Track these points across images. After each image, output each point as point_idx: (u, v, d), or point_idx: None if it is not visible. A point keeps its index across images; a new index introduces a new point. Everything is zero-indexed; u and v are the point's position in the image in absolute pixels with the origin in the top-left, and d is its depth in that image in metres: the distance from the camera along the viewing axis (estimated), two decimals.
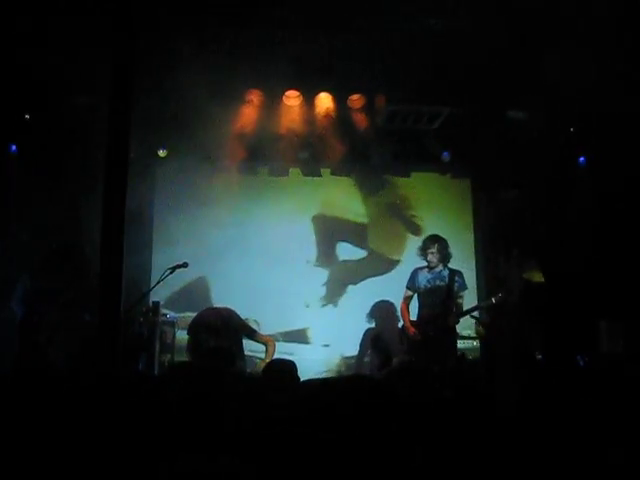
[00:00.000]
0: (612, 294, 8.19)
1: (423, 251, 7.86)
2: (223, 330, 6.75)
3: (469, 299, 8.21)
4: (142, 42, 5.52)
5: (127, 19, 5.07)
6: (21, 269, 6.97)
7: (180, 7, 6.37)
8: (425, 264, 7.88)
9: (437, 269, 7.79)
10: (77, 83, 7.48)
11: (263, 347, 7.04)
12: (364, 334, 9.05)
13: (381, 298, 9.03)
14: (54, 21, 6.46)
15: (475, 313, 7.97)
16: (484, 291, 9.38)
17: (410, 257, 9.14)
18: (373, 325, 9.12)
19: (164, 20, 6.34)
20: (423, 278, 7.84)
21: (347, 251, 9.65)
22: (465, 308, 7.80)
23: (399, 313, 8.28)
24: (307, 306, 9.28)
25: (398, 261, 9.51)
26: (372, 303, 9.18)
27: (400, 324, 8.08)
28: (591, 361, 7.05)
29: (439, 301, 7.69)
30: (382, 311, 8.89)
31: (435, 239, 7.84)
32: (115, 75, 5.26)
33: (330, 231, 9.64)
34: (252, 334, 7.03)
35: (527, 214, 9.11)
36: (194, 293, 8.01)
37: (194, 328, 6.83)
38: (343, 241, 9.64)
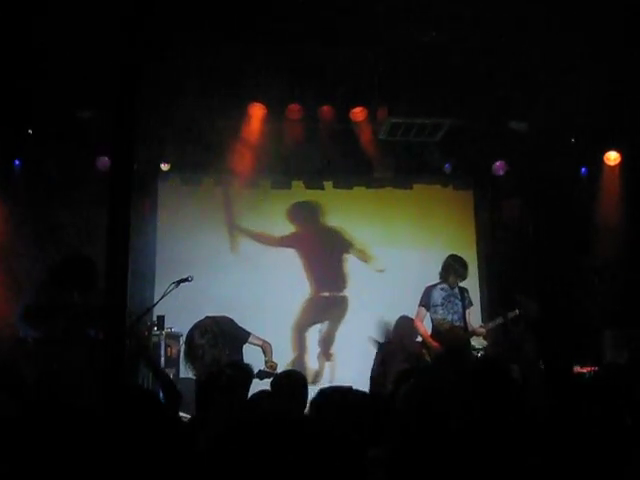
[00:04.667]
0: (617, 303, 8.21)
1: (447, 271, 8.02)
2: (220, 337, 6.79)
3: (475, 313, 8.53)
4: (146, 57, 5.55)
5: (131, 34, 5.10)
6: (25, 284, 6.96)
7: (183, 22, 6.40)
8: (437, 281, 8.09)
9: (451, 287, 8.00)
10: (80, 97, 7.51)
11: None
12: (380, 346, 8.96)
13: (401, 313, 8.94)
14: (58, 35, 6.48)
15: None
16: (488, 305, 9.40)
17: (409, 271, 9.17)
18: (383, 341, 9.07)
19: (167, 35, 6.37)
20: (438, 296, 8.01)
21: (350, 264, 9.65)
22: (471, 323, 8.06)
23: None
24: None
25: (399, 272, 9.48)
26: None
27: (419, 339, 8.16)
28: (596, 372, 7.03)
29: (457, 317, 7.93)
30: (404, 326, 8.79)
31: (461, 262, 8.03)
32: (118, 89, 5.28)
33: (333, 244, 9.66)
34: (247, 337, 7.11)
35: (530, 225, 9.12)
36: (198, 306, 7.99)
37: (190, 336, 6.87)
38: (346, 254, 9.64)
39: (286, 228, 9.59)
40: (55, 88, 7.14)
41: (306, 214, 9.63)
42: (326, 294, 9.50)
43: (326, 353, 9.31)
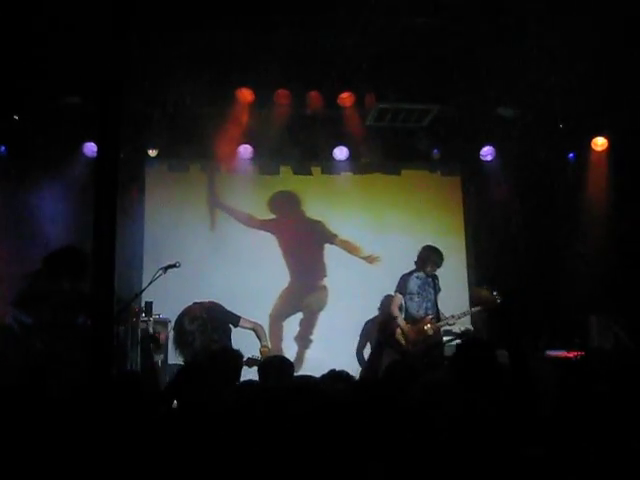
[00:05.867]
0: (604, 289, 8.26)
1: (425, 261, 8.20)
2: (209, 322, 6.80)
3: (462, 299, 8.98)
4: (133, 42, 5.51)
5: (118, 19, 5.06)
6: (14, 272, 6.94)
7: (170, 7, 6.35)
8: (411, 269, 8.29)
9: (427, 275, 8.20)
10: (66, 83, 7.46)
11: None
12: (365, 324, 9.05)
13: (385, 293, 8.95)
14: (43, 21, 6.43)
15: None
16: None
17: (396, 257, 9.20)
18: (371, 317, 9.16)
19: (155, 20, 6.32)
20: (414, 284, 8.23)
21: (336, 251, 9.66)
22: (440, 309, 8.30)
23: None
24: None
25: (388, 258, 9.50)
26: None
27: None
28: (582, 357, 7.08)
29: (430, 305, 8.18)
30: (387, 304, 8.80)
31: (440, 254, 8.22)
32: (105, 75, 5.25)
33: (317, 232, 9.65)
34: (237, 321, 7.12)
35: (517, 211, 9.15)
36: (186, 293, 7.98)
37: (180, 322, 6.87)
38: (331, 242, 9.64)
39: (269, 214, 9.59)
40: (41, 74, 7.09)
41: (287, 204, 9.62)
42: (308, 282, 9.51)
43: (305, 341, 9.32)
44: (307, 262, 9.55)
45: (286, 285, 9.43)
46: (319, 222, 9.64)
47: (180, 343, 6.75)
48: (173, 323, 7.14)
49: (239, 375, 4.74)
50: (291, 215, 9.62)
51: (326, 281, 9.52)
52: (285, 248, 9.49)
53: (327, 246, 9.62)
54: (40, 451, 2.51)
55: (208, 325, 6.80)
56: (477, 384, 3.39)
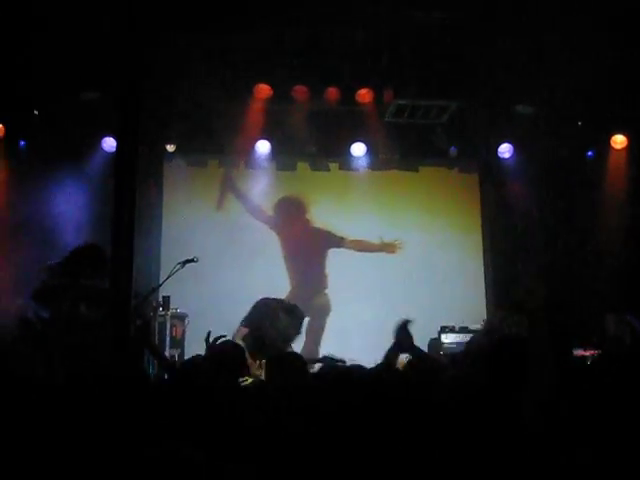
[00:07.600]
0: (622, 287, 8.22)
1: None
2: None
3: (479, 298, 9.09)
4: (151, 38, 5.54)
5: (136, 15, 5.09)
6: (31, 266, 6.98)
7: (189, 3, 6.38)
8: None
9: None
10: (86, 78, 7.50)
11: None
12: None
13: None
14: (62, 16, 6.47)
15: None
16: (492, 288, 9.41)
17: (415, 254, 9.17)
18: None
19: (174, 16, 6.35)
20: None
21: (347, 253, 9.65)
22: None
23: None
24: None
25: (405, 255, 9.50)
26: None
27: None
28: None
29: None
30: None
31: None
32: (124, 70, 5.28)
33: (328, 234, 9.65)
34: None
35: (535, 209, 9.11)
36: (203, 288, 8.01)
37: (274, 312, 6.44)
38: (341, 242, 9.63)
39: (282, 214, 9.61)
40: (60, 69, 7.14)
41: (294, 207, 9.59)
42: (313, 286, 9.45)
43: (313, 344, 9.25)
44: (314, 265, 9.51)
45: (292, 287, 9.36)
46: (330, 224, 9.56)
47: (279, 332, 6.37)
48: (259, 313, 6.73)
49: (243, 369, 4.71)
50: (305, 215, 9.59)
51: (331, 285, 9.46)
52: (293, 249, 9.47)
53: (336, 250, 9.54)
54: (56, 446, 2.53)
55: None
56: (512, 382, 3.37)
